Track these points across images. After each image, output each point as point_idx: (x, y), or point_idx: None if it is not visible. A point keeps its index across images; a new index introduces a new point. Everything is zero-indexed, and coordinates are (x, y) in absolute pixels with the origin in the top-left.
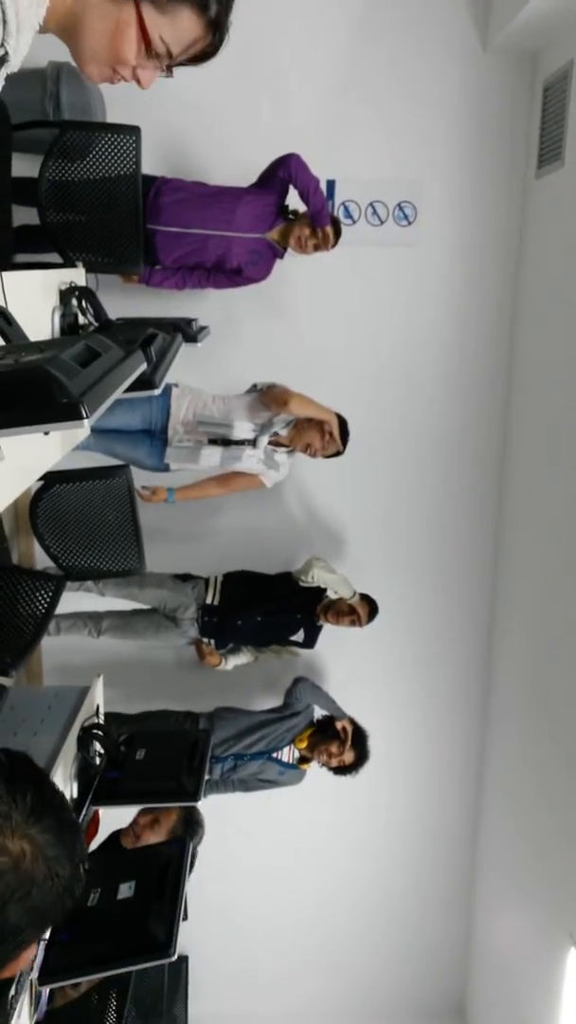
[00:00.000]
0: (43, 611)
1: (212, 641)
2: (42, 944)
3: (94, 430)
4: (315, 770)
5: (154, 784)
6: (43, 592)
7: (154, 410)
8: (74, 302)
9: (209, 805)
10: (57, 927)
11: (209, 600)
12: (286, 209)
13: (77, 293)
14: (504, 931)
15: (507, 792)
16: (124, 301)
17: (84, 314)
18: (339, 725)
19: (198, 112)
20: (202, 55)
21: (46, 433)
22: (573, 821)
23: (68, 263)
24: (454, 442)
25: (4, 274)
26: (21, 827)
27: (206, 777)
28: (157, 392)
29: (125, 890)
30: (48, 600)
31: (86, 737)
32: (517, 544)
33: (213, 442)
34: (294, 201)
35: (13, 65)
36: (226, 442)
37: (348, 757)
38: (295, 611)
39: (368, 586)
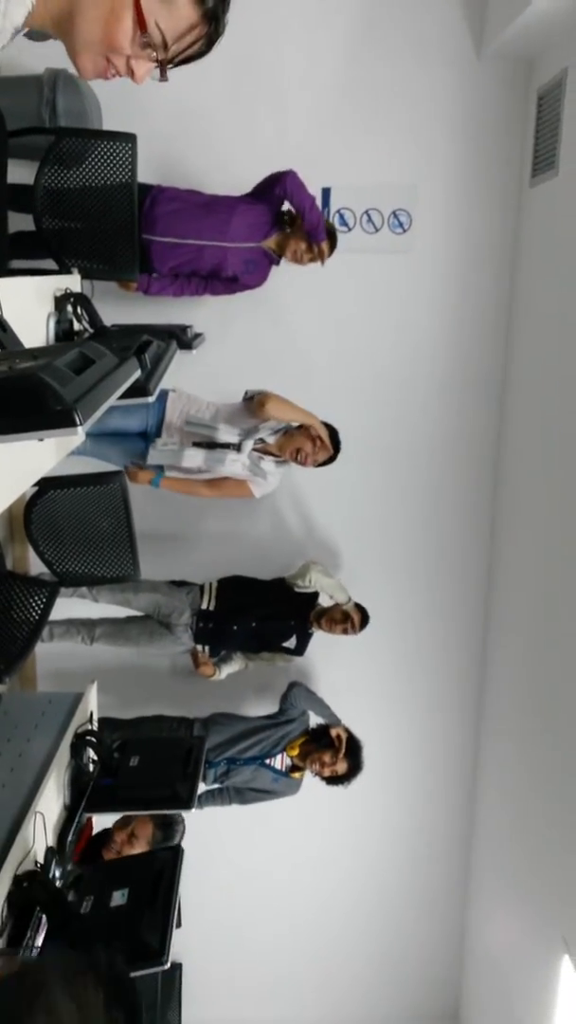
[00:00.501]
0: (37, 617)
1: (206, 649)
2: (36, 949)
3: (90, 434)
4: (309, 778)
5: (148, 791)
6: (37, 598)
7: (150, 414)
8: (69, 308)
9: (204, 813)
10: (51, 934)
11: (205, 605)
12: (282, 216)
13: (72, 299)
14: (498, 936)
15: (501, 799)
16: (119, 307)
17: (79, 320)
18: (334, 732)
19: (194, 119)
20: (196, 51)
21: (40, 440)
22: (567, 827)
23: (64, 270)
24: (448, 449)
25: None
26: None
27: (201, 786)
28: (151, 399)
29: (118, 897)
30: (42, 606)
31: (80, 744)
32: (512, 551)
33: (197, 445)
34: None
35: None
36: (211, 445)
37: (341, 767)
38: (288, 617)
39: (362, 592)
